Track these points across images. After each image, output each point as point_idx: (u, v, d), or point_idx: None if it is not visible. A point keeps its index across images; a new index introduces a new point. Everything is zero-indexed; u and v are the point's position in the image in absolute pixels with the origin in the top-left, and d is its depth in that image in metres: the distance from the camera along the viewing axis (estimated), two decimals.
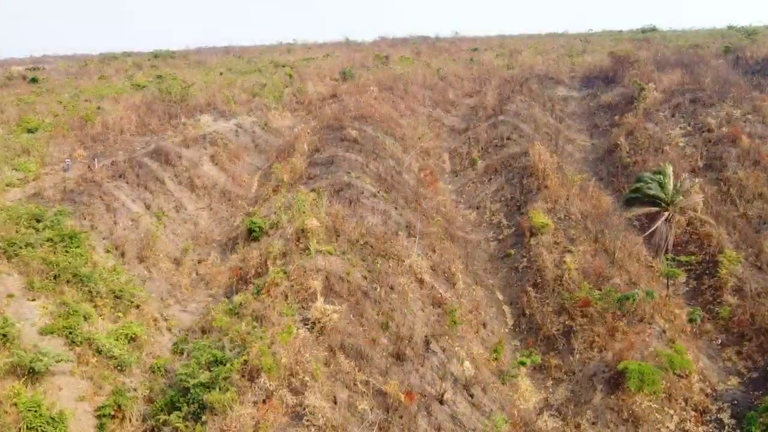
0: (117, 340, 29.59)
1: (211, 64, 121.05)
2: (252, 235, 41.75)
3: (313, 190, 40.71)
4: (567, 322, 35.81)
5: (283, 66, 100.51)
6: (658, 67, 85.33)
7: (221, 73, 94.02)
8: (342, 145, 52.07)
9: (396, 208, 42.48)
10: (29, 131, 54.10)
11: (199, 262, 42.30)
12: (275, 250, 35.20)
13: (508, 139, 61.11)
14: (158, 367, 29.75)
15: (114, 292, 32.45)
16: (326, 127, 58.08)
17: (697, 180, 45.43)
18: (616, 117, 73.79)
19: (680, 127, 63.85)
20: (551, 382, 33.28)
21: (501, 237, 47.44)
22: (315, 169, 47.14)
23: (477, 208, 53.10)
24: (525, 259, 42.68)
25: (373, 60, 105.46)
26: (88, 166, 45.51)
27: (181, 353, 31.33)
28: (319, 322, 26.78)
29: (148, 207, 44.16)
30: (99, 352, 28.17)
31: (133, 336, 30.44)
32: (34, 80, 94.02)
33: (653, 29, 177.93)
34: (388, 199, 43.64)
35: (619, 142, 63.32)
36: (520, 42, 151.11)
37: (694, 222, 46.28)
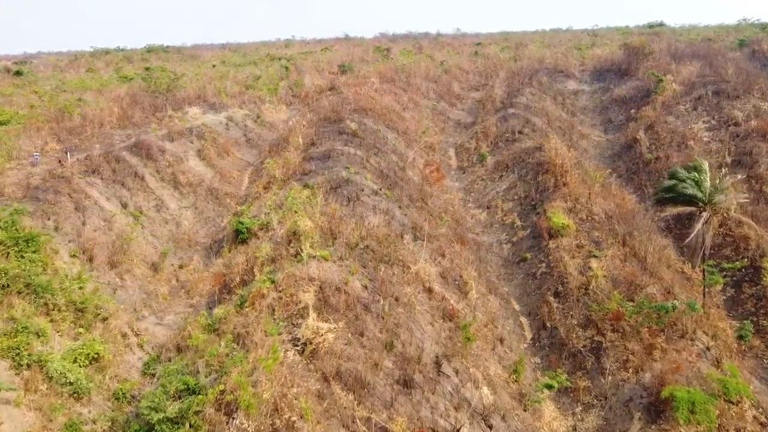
0: (75, 361, 25.21)
1: (205, 57, 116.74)
2: (239, 237, 37.39)
3: (306, 187, 36.26)
4: (595, 338, 31.41)
5: (279, 59, 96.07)
6: (674, 58, 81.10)
7: (214, 66, 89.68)
8: (340, 139, 47.67)
9: (400, 207, 38.05)
10: (0, 123, 49.77)
11: (181, 267, 37.96)
12: (263, 254, 30.84)
13: (519, 133, 56.71)
14: (123, 394, 25.40)
15: (75, 304, 28.04)
16: (323, 120, 53.69)
17: (738, 176, 41.01)
18: (632, 111, 69.51)
19: (703, 121, 59.47)
20: (580, 407, 28.90)
21: (515, 239, 43.04)
22: (310, 164, 42.71)
23: (487, 208, 48.70)
24: (543, 264, 38.30)
25: (373, 53, 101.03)
26: (59, 161, 41.13)
27: (152, 376, 27.06)
28: (311, 343, 22.41)
29: (124, 206, 39.76)
30: (50, 377, 23.84)
31: (95, 356, 26.04)
32: (18, 73, 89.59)
33: (661, 24, 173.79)
34: (391, 197, 39.23)
35: (638, 137, 58.97)
36: (525, 37, 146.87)
37: (728, 222, 42.03)
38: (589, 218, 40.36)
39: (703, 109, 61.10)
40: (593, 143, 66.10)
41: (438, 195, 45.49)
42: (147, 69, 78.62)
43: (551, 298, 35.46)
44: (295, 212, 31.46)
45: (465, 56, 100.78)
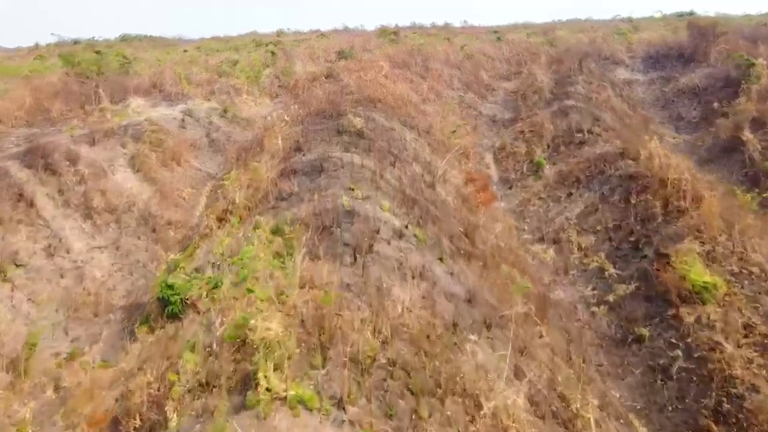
0: None
1: (184, 46, 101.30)
2: (167, 309, 22.04)
3: (277, 231, 20.55)
4: None
5: (266, 44, 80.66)
6: (751, 41, 65.82)
7: (185, 51, 74.39)
8: (339, 141, 32.09)
9: (442, 260, 22.37)
10: None
11: (69, 358, 22.48)
12: (187, 373, 15.38)
13: (588, 132, 41.25)
14: None
15: None
16: (316, 115, 38.14)
17: None
18: (715, 104, 54.05)
19: None
20: None
21: (612, 298, 27.46)
22: (291, 182, 27.02)
23: (554, 242, 33.18)
24: (679, 353, 22.81)
25: (378, 38, 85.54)
26: None
27: None
28: None
29: None
30: None
31: None
32: None
33: (691, 13, 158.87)
34: (424, 239, 23.58)
35: (743, 138, 43.62)
36: (545, 27, 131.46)
37: None
38: (745, 271, 24.91)
39: None
40: (668, 146, 50.65)
41: (488, 226, 29.93)
42: (98, 53, 62.94)
43: (710, 423, 20.05)
44: (249, 290, 15.89)
45: (486, 42, 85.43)
